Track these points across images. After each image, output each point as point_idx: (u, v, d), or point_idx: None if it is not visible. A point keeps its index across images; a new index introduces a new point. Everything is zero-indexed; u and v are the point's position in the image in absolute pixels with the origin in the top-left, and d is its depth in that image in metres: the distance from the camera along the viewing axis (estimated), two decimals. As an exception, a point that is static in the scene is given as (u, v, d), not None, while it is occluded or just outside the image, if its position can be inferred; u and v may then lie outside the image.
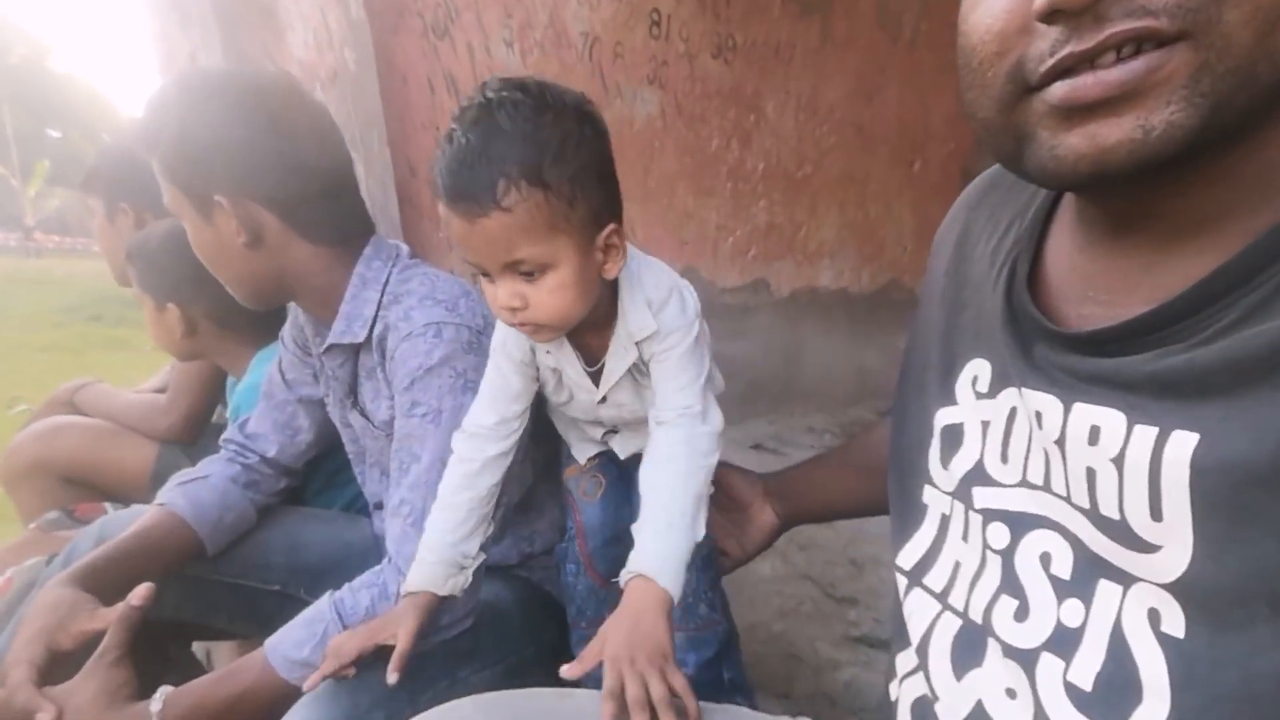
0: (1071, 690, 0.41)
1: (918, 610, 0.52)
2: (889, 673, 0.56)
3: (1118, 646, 0.39)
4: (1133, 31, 0.34)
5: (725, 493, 0.88)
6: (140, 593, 0.77)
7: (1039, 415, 0.44)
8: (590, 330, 0.75)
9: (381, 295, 0.88)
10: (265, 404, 1.04)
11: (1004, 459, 0.48)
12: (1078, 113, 0.37)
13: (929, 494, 0.55)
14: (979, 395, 0.51)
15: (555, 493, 0.95)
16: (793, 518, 0.89)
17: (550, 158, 0.62)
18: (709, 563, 0.85)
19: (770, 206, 2.57)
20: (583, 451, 0.90)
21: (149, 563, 0.87)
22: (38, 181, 21.42)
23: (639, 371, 0.77)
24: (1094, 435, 0.41)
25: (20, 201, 21.50)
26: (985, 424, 0.50)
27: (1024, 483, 0.47)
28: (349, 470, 1.08)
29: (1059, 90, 0.37)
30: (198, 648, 1.21)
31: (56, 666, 0.74)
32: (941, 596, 0.51)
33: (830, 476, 0.88)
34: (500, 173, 0.60)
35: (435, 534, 0.76)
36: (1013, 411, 0.48)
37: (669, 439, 0.73)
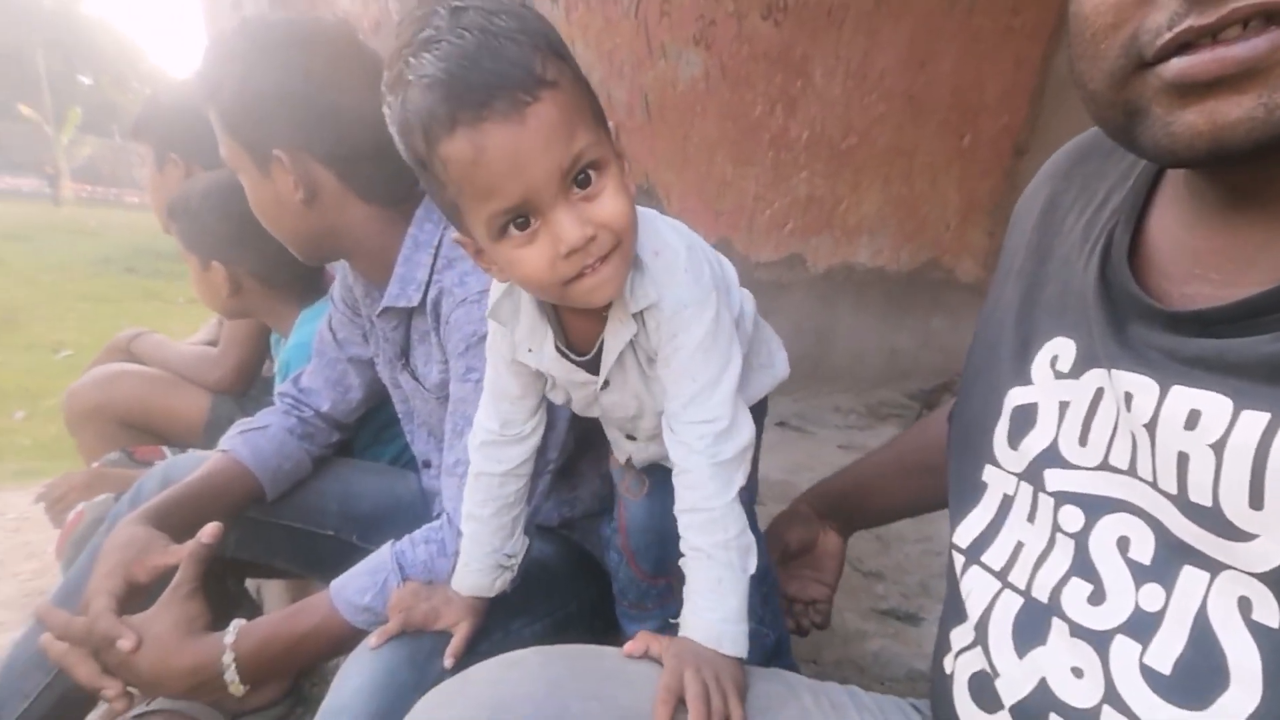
0: (1148, 673, 0.40)
1: (976, 588, 0.52)
2: (940, 647, 0.55)
3: (1202, 633, 0.39)
4: (1261, 6, 0.33)
5: (788, 551, 0.85)
6: (210, 530, 0.80)
7: (1129, 397, 0.43)
8: (586, 313, 0.65)
9: (435, 259, 0.86)
10: (317, 361, 1.07)
11: (1083, 441, 0.47)
12: (1195, 89, 0.35)
13: (989, 473, 0.54)
14: (1059, 375, 0.50)
15: (596, 463, 0.94)
16: (853, 529, 0.87)
17: (554, 34, 0.54)
18: (762, 578, 0.80)
19: (811, 178, 2.48)
20: (621, 451, 0.85)
21: (214, 504, 0.90)
22: (70, 129, 21.59)
23: (644, 357, 0.67)
24: (1192, 420, 0.39)
25: (54, 149, 21.74)
26: (1064, 405, 0.49)
27: (1105, 466, 0.45)
28: (395, 426, 1.10)
29: (1176, 66, 0.36)
30: (250, 584, 1.27)
31: (133, 599, 0.78)
32: (1001, 575, 0.50)
33: (888, 484, 0.85)
34: (528, 46, 0.51)
35: (472, 544, 0.75)
36: (1098, 393, 0.46)
37: (689, 477, 0.63)
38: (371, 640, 0.71)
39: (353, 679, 0.70)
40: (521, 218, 0.53)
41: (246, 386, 1.46)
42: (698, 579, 0.63)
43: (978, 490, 0.54)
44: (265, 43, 0.80)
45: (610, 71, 1.85)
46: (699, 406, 0.63)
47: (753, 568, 0.64)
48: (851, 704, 0.61)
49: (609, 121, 0.58)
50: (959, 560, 0.54)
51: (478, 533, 0.75)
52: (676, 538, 0.66)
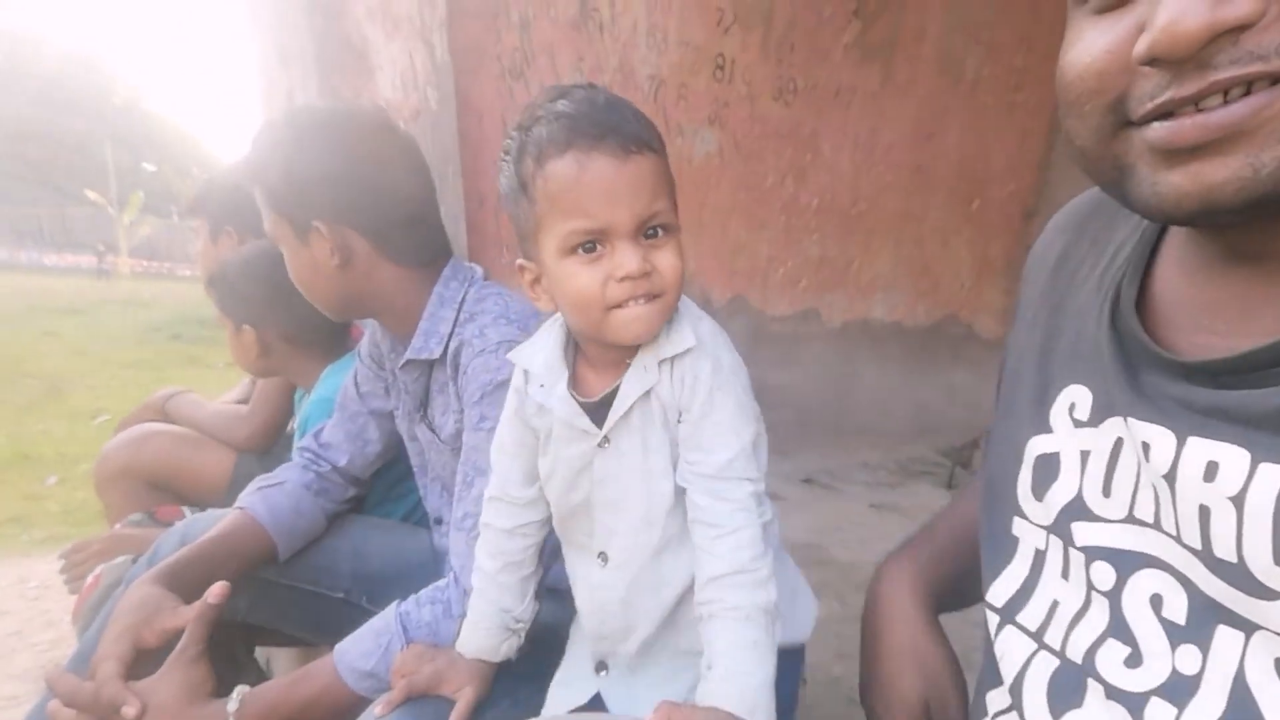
0: None
1: (1011, 649, 0.50)
2: (976, 711, 0.54)
3: (1241, 698, 0.37)
4: (1242, 77, 0.33)
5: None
6: (216, 590, 0.81)
7: (1147, 447, 0.42)
8: (603, 361, 0.68)
9: (458, 314, 0.93)
10: (339, 415, 1.10)
11: (1106, 492, 0.46)
12: (1179, 153, 0.36)
13: (1019, 526, 0.52)
14: (1078, 423, 0.49)
15: None
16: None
17: (657, 131, 0.64)
18: (785, 675, 0.71)
19: (823, 240, 2.60)
20: (582, 588, 0.77)
21: (227, 563, 0.92)
22: (133, 210, 23.15)
23: (661, 414, 0.67)
24: (1210, 472, 0.38)
25: (115, 229, 23.27)
26: (1085, 454, 0.48)
27: (1131, 519, 0.44)
28: (406, 483, 1.13)
29: (1159, 131, 0.36)
30: (259, 654, 1.25)
31: (142, 662, 0.78)
32: (1037, 635, 0.48)
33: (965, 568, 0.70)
34: (642, 119, 0.60)
35: (480, 601, 0.75)
36: (1118, 442, 0.45)
37: (739, 537, 0.62)
38: (377, 709, 0.71)
39: None
40: (592, 242, 0.60)
41: (271, 444, 1.51)
42: (732, 640, 0.61)
43: (1010, 545, 0.53)
44: (307, 126, 0.90)
45: (633, 149, 2.01)
46: (744, 464, 0.64)
47: (776, 643, 0.62)
48: None
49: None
50: (993, 620, 0.52)
51: (485, 589, 0.75)
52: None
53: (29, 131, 30.25)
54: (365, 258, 0.91)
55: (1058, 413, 0.50)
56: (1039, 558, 0.50)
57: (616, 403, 0.66)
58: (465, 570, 0.80)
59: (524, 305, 0.94)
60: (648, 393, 0.66)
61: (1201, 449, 0.39)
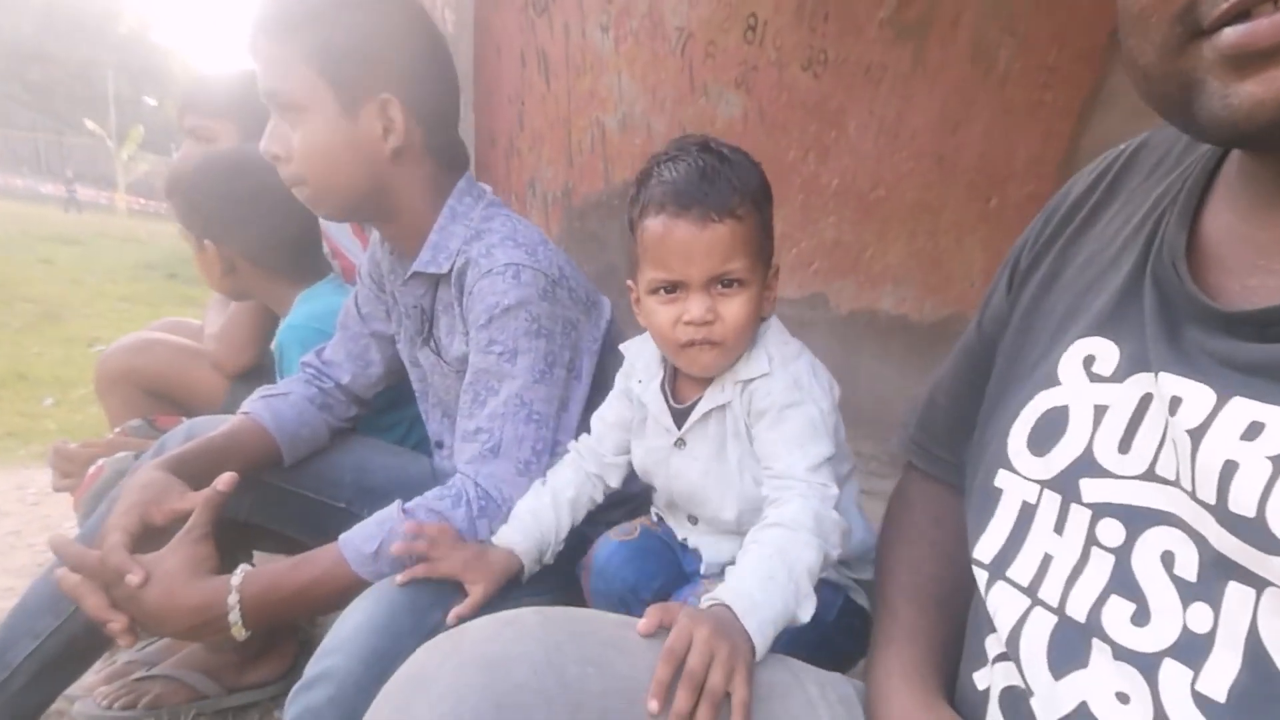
0: (1202, 701, 0.37)
1: (1003, 605, 0.48)
2: (972, 661, 0.52)
3: (1256, 656, 0.36)
4: None
5: None
6: (226, 479, 0.81)
7: (1176, 401, 0.41)
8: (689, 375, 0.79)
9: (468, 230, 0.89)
10: (341, 335, 1.08)
11: (1124, 449, 0.44)
12: (1254, 58, 0.33)
13: (1004, 479, 0.51)
14: (1095, 378, 0.47)
15: None
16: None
17: (764, 191, 0.75)
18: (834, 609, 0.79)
19: (839, 224, 2.54)
20: (681, 529, 0.88)
21: (233, 460, 0.91)
22: (131, 145, 22.68)
23: (733, 426, 0.76)
24: (1253, 431, 0.37)
25: (113, 163, 22.81)
26: (1100, 409, 0.46)
27: (1150, 475, 0.43)
28: (396, 412, 1.14)
29: (1232, 35, 0.34)
30: (258, 558, 1.25)
31: (148, 539, 0.78)
32: (1030, 591, 0.47)
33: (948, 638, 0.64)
34: (736, 189, 0.70)
35: (542, 509, 0.81)
36: (1145, 398, 0.44)
37: (791, 506, 0.68)
38: (399, 578, 0.72)
39: (353, 617, 0.70)
40: (671, 288, 0.73)
41: (238, 371, 1.45)
42: (753, 561, 0.64)
43: (991, 498, 0.51)
44: None
45: (653, 104, 1.94)
46: (808, 472, 0.70)
47: (806, 615, 0.63)
48: (858, 698, 0.58)
49: (773, 261, 0.77)
50: (982, 577, 0.51)
51: (546, 507, 0.81)
52: (638, 600, 0.73)
53: (29, 52, 29.51)
54: (413, 148, 0.85)
55: (1068, 365, 0.49)
56: (1026, 511, 0.49)
57: (694, 411, 0.78)
58: (481, 474, 0.81)
59: (531, 230, 0.90)
60: (723, 406, 0.76)
61: (1245, 409, 0.37)
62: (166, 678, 1.13)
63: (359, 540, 0.78)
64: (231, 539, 0.94)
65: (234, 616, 0.74)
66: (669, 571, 0.85)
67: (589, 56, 1.77)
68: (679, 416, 0.79)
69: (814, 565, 0.64)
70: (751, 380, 0.74)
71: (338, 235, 1.43)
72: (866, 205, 2.57)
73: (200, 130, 1.47)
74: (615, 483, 0.87)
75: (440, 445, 1.06)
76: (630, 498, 0.94)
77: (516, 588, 0.81)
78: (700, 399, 0.77)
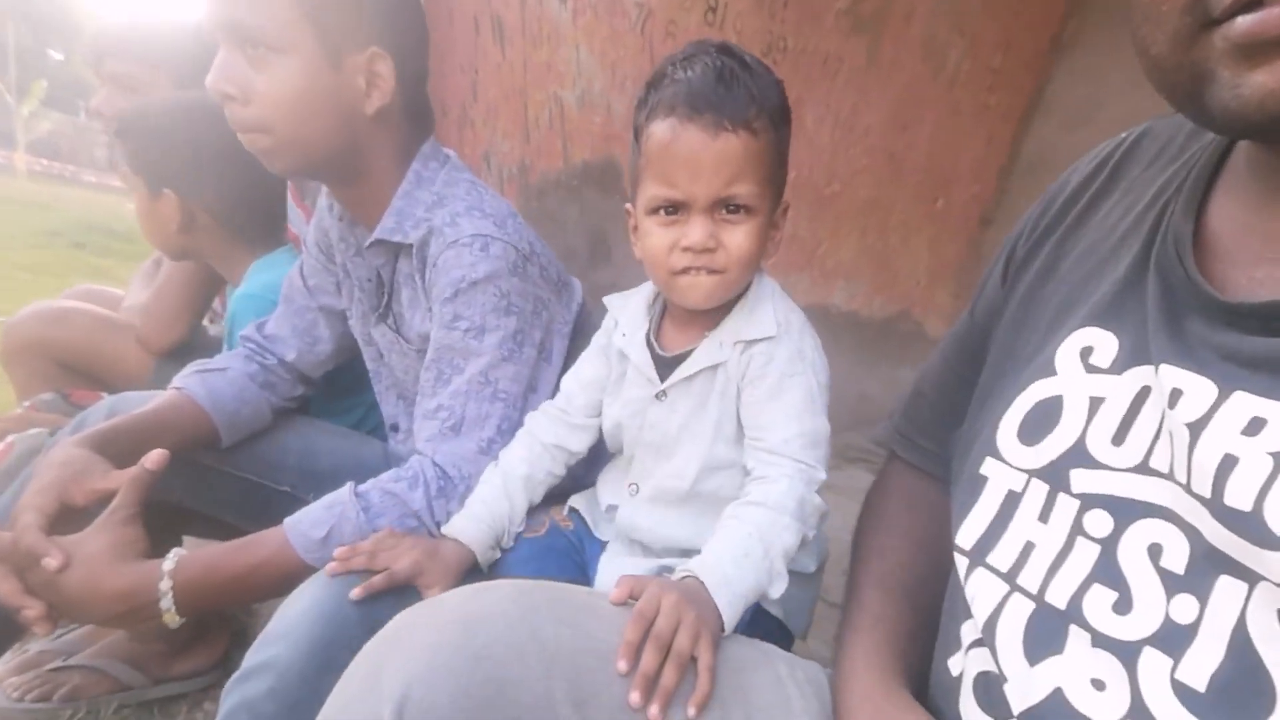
0: (1181, 689, 0.38)
1: (982, 591, 0.48)
2: (946, 647, 0.52)
3: (1241, 648, 0.36)
4: None
5: None
6: (154, 457, 0.75)
7: (1177, 394, 0.40)
8: (685, 320, 0.74)
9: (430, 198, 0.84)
10: (285, 308, 1.00)
11: (1118, 441, 0.44)
12: (1265, 48, 0.33)
13: (990, 467, 0.51)
14: (1092, 369, 0.47)
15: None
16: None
17: (784, 111, 0.68)
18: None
19: (795, 218, 2.53)
20: (609, 495, 0.83)
21: (163, 439, 0.83)
22: (33, 101, 20.82)
23: (722, 385, 0.71)
24: (1255, 427, 0.37)
25: (12, 120, 20.88)
26: (1095, 400, 0.46)
27: (1143, 468, 0.42)
28: (353, 397, 1.05)
29: (1242, 25, 0.34)
30: (189, 544, 1.15)
31: (66, 521, 0.72)
32: (1009, 577, 0.47)
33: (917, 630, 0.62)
34: (755, 99, 0.63)
35: (493, 495, 0.76)
36: (1143, 391, 0.44)
37: (773, 485, 0.66)
38: (354, 593, 0.66)
39: (298, 604, 0.65)
40: (673, 208, 0.66)
41: (170, 346, 1.32)
42: (731, 537, 0.62)
43: (976, 485, 0.52)
44: None
45: (612, 83, 1.87)
46: (801, 447, 0.67)
47: (777, 592, 0.63)
48: (828, 682, 0.57)
49: (784, 198, 0.71)
50: (962, 564, 0.51)
51: (495, 497, 0.76)
52: None
53: (-87, -5, 26.61)
54: (396, 107, 0.81)
55: (1065, 356, 0.49)
56: (1010, 499, 0.49)
57: (684, 365, 0.72)
58: (440, 452, 0.77)
59: (498, 201, 0.85)
60: (715, 366, 0.71)
61: (1247, 403, 0.37)
62: (86, 668, 1.03)
63: (307, 525, 0.73)
64: (160, 524, 0.86)
65: (166, 603, 0.68)
66: (568, 575, 0.80)
67: (546, 26, 1.68)
68: (664, 367, 0.74)
69: (791, 548, 0.64)
70: (755, 342, 0.69)
71: None
72: (822, 200, 2.58)
73: (125, 78, 1.33)
74: (580, 448, 0.82)
75: (395, 429, 1.01)
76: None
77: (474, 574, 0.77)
78: (691, 352, 0.72)
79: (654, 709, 0.48)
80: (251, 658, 0.63)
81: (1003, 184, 3.16)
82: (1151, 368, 0.43)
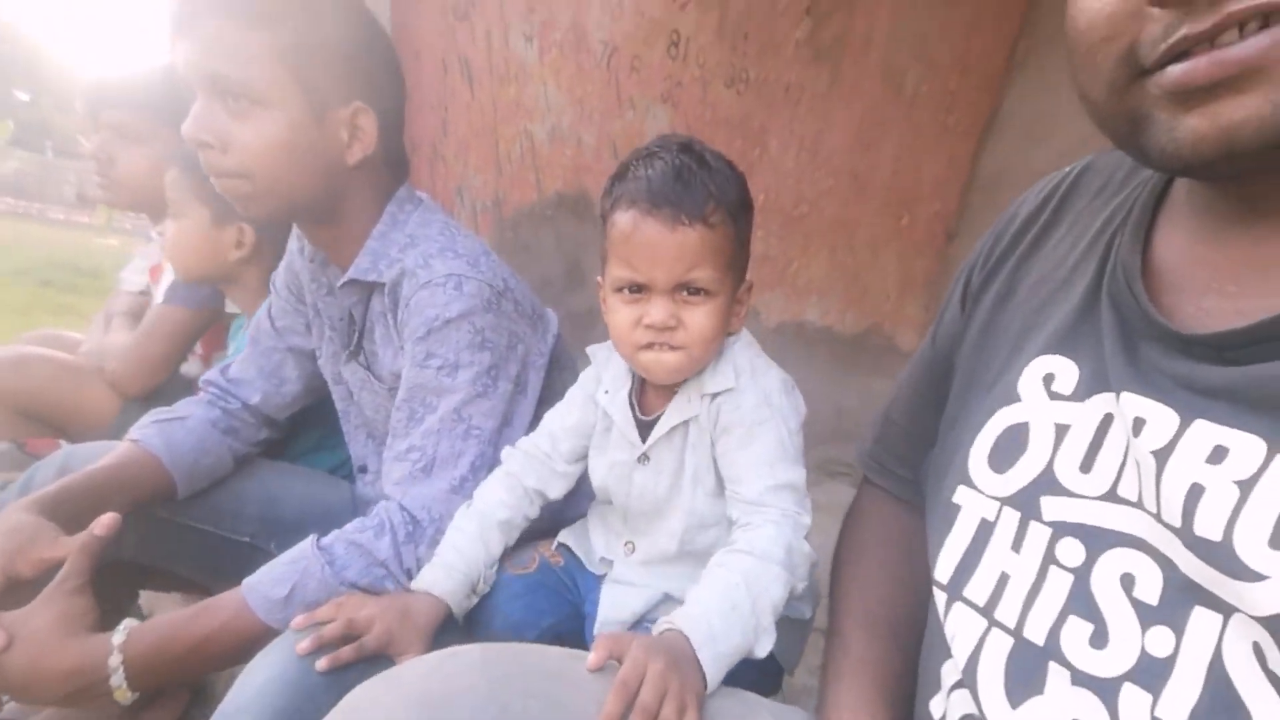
0: None
1: (961, 628, 0.48)
2: (927, 688, 0.51)
3: (1218, 682, 0.35)
4: (1258, 7, 0.32)
5: None
6: (104, 522, 0.72)
7: (1140, 423, 0.40)
8: (656, 386, 0.76)
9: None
10: (251, 350, 0.99)
11: (1086, 468, 0.44)
12: (1196, 94, 0.35)
13: (962, 495, 0.51)
14: (1055, 396, 0.47)
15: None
16: None
17: (743, 203, 0.71)
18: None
19: (766, 238, 2.59)
20: (606, 548, 0.83)
21: (116, 497, 0.82)
22: (-1, 139, 20.55)
23: (696, 439, 0.73)
24: (1218, 455, 0.37)
25: (-25, 159, 20.56)
26: (1061, 428, 0.46)
27: (1112, 496, 0.42)
28: (339, 435, 1.03)
29: (1173, 74, 0.35)
30: (142, 600, 1.13)
31: (13, 593, 0.70)
32: (986, 611, 0.46)
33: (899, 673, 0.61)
34: (712, 195, 0.67)
35: (465, 541, 0.74)
36: (1106, 418, 0.44)
37: (761, 531, 0.66)
38: (321, 664, 0.63)
39: (260, 673, 0.62)
40: (636, 289, 0.69)
41: (148, 388, 1.31)
42: (717, 588, 0.61)
43: (950, 514, 0.51)
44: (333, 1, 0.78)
45: (580, 116, 1.91)
46: (778, 496, 0.68)
47: (764, 650, 0.62)
48: None
49: (746, 277, 0.75)
50: (941, 599, 0.50)
51: (468, 543, 0.74)
52: (520, 640, 0.67)
53: (-126, 38, 26.21)
54: (373, 154, 0.83)
55: (1028, 382, 0.48)
56: (984, 528, 0.48)
57: (659, 424, 0.75)
58: (408, 496, 0.76)
59: (471, 240, 0.86)
60: (687, 421, 0.73)
61: (1209, 432, 0.37)
62: None
63: (267, 585, 0.70)
64: (115, 580, 0.85)
65: (117, 679, 0.65)
66: (562, 611, 0.79)
67: (513, 66, 1.72)
68: (644, 430, 0.76)
69: (779, 601, 0.63)
70: (718, 394, 0.72)
71: None
72: (790, 220, 2.64)
73: (124, 126, 1.35)
74: (557, 495, 0.82)
75: (364, 470, 0.99)
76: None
77: (445, 634, 0.74)
78: (664, 413, 0.74)
79: None
80: None
81: (965, 199, 3.25)
82: (1113, 395, 0.43)
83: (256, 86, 0.75)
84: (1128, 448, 0.42)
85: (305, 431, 1.09)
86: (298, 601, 0.69)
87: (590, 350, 0.82)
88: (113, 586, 0.91)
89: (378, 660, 0.65)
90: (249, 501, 0.95)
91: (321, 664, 0.63)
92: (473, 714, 0.44)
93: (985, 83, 3.03)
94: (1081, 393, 0.45)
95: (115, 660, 0.65)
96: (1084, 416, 0.45)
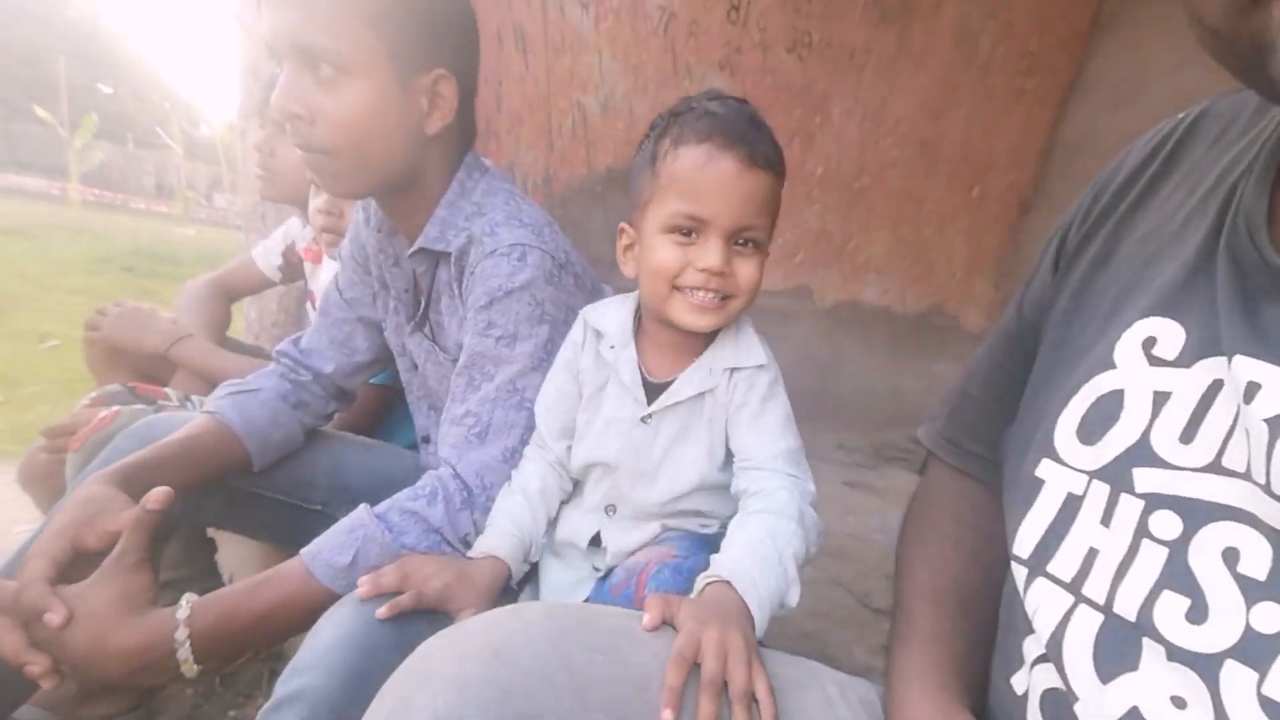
0: (1270, 706, 0.35)
1: (1045, 603, 0.45)
2: (1008, 663, 0.49)
3: None
4: None
5: None
6: (155, 495, 0.70)
7: (1254, 387, 0.38)
8: (669, 346, 0.75)
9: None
10: (322, 321, 1.00)
11: (1187, 438, 0.41)
12: None
13: (1046, 469, 0.48)
14: (1156, 361, 0.44)
15: None
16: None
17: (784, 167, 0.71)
18: None
19: (824, 213, 2.49)
20: (583, 532, 0.80)
21: (193, 469, 0.82)
22: (85, 133, 21.85)
23: (710, 413, 0.73)
24: None
25: (65, 151, 21.93)
26: (1161, 395, 0.43)
27: (1215, 467, 0.40)
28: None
29: None
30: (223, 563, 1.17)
31: (82, 565, 0.69)
32: (1073, 587, 0.44)
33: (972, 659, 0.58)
34: (776, 147, 0.68)
35: (516, 508, 0.76)
36: (1214, 385, 0.41)
37: (774, 496, 0.68)
38: (382, 611, 0.64)
39: (328, 631, 0.63)
40: (690, 229, 0.67)
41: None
42: (746, 542, 0.63)
43: (1032, 488, 0.49)
44: None
45: (635, 86, 1.86)
46: (788, 461, 0.70)
47: (793, 600, 0.63)
48: (879, 702, 0.55)
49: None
50: (1021, 574, 0.48)
51: (522, 506, 0.76)
52: None
53: (-30, 38, 28.19)
54: (451, 122, 0.82)
55: (1126, 348, 0.46)
56: (1070, 502, 0.46)
57: (671, 390, 0.73)
58: (464, 461, 0.78)
59: (535, 210, 0.85)
60: (703, 392, 0.72)
61: None
62: None
63: (329, 552, 0.71)
64: (196, 547, 0.87)
65: (183, 653, 0.65)
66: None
67: (568, 35, 1.68)
68: (649, 391, 0.75)
69: (800, 554, 0.65)
70: (742, 369, 0.72)
71: None
72: (851, 194, 2.53)
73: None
74: (569, 485, 0.83)
75: (427, 440, 1.00)
76: None
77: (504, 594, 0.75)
78: (678, 379, 0.73)
79: None
80: (282, 687, 0.60)
81: (1042, 169, 3.05)
82: (1224, 359, 0.40)
83: (348, 55, 0.73)
84: (1237, 415, 0.39)
85: (396, 407, 1.12)
86: (360, 567, 0.70)
87: (584, 311, 0.80)
88: (190, 550, 0.97)
89: (441, 621, 0.65)
90: (319, 472, 0.97)
91: (382, 611, 0.63)
92: (536, 663, 0.45)
93: (1067, 43, 2.82)
94: (1187, 358, 0.43)
95: (181, 634, 0.65)
96: (1188, 383, 0.42)
